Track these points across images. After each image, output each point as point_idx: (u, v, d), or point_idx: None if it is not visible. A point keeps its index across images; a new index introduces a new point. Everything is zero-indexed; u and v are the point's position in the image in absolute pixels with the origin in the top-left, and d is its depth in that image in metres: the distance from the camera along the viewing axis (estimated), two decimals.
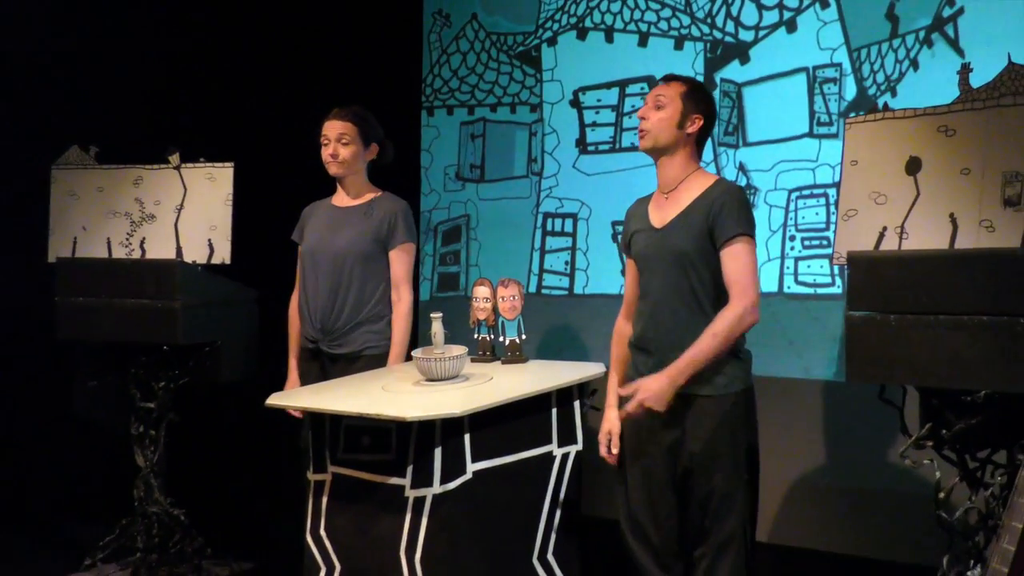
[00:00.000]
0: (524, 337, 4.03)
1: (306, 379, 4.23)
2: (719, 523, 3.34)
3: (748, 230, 3.36)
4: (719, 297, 3.37)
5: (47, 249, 4.91)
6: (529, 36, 5.44)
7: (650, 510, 3.46)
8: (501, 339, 4.04)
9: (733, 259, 3.33)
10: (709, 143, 4.76)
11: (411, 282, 4.29)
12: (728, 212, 3.35)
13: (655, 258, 3.47)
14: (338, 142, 4.22)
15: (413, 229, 4.30)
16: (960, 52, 4.18)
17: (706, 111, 3.51)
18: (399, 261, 4.24)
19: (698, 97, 3.51)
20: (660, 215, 3.51)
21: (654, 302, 3.46)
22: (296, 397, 3.76)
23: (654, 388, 3.28)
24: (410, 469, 3.35)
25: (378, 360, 4.14)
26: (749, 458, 3.39)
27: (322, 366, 4.23)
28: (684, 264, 3.39)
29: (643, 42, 5.07)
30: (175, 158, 4.76)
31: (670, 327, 3.41)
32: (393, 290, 4.23)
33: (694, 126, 3.48)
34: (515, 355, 4.02)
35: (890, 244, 3.40)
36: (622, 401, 3.47)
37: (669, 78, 3.55)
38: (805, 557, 4.52)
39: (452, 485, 3.35)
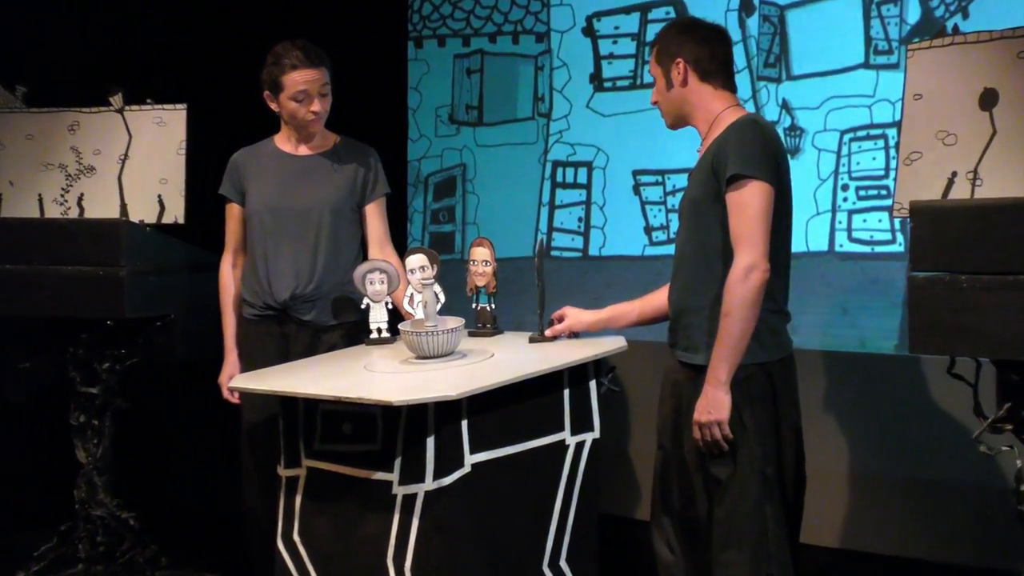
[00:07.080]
0: None
1: (262, 352, 4.18)
2: (725, 520, 3.37)
3: (748, 170, 3.31)
4: (730, 249, 3.39)
5: None
6: None
7: (665, 503, 3.56)
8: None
9: (735, 211, 3.33)
10: (746, 77, 4.75)
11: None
12: (729, 149, 3.35)
13: (681, 210, 3.58)
14: (320, 95, 4.13)
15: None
16: None
17: (682, 47, 3.53)
18: (380, 216, 4.28)
19: (666, 44, 3.57)
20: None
21: (675, 258, 3.58)
22: (264, 379, 3.75)
23: (703, 405, 3.34)
24: (398, 462, 3.36)
25: (358, 328, 4.13)
26: (765, 442, 3.39)
27: (284, 334, 4.21)
28: (697, 213, 3.46)
29: None
30: (117, 99, 4.75)
31: (679, 285, 3.52)
32: (379, 249, 4.25)
33: (681, 74, 3.52)
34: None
35: (961, 192, 3.40)
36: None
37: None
38: (859, 560, 4.56)
39: (447, 480, 3.35)
